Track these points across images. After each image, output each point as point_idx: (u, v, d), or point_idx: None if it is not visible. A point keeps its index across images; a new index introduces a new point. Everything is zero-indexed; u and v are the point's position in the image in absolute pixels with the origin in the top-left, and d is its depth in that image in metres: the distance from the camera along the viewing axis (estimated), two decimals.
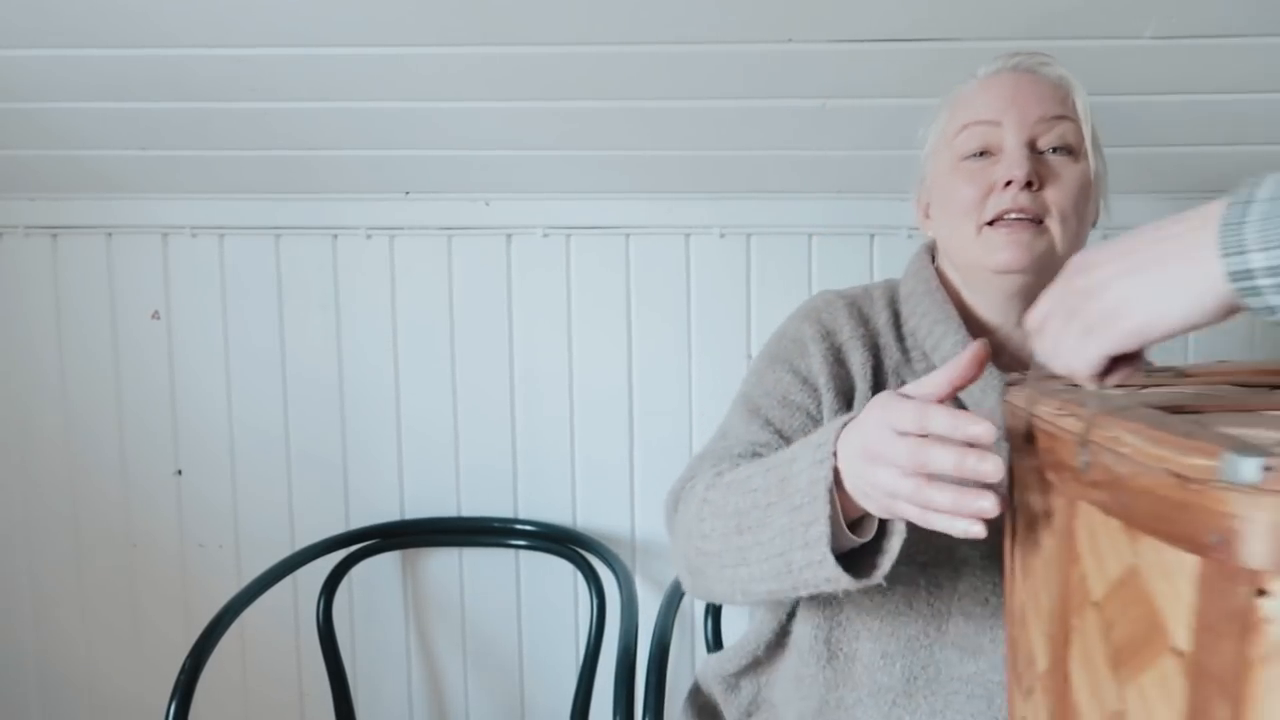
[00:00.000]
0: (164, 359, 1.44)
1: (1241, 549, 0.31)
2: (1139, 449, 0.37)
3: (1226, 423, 0.38)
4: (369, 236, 1.41)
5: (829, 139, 1.22)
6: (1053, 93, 0.77)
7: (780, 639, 0.83)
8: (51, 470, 1.46)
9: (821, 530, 0.58)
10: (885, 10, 0.98)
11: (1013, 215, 0.75)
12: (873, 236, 1.37)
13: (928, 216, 0.87)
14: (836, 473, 0.58)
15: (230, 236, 1.42)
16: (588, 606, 1.35)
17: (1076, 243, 0.78)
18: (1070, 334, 0.46)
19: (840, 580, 0.59)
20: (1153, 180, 1.26)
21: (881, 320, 0.84)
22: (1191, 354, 1.36)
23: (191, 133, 1.23)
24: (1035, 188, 0.74)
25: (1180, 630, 0.35)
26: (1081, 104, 0.77)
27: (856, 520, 0.61)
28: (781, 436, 0.78)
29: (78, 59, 1.08)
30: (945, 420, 0.49)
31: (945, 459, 0.49)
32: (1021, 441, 0.51)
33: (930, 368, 0.80)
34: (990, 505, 0.48)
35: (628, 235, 1.39)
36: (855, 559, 0.62)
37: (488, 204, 1.39)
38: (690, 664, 1.45)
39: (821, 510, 0.58)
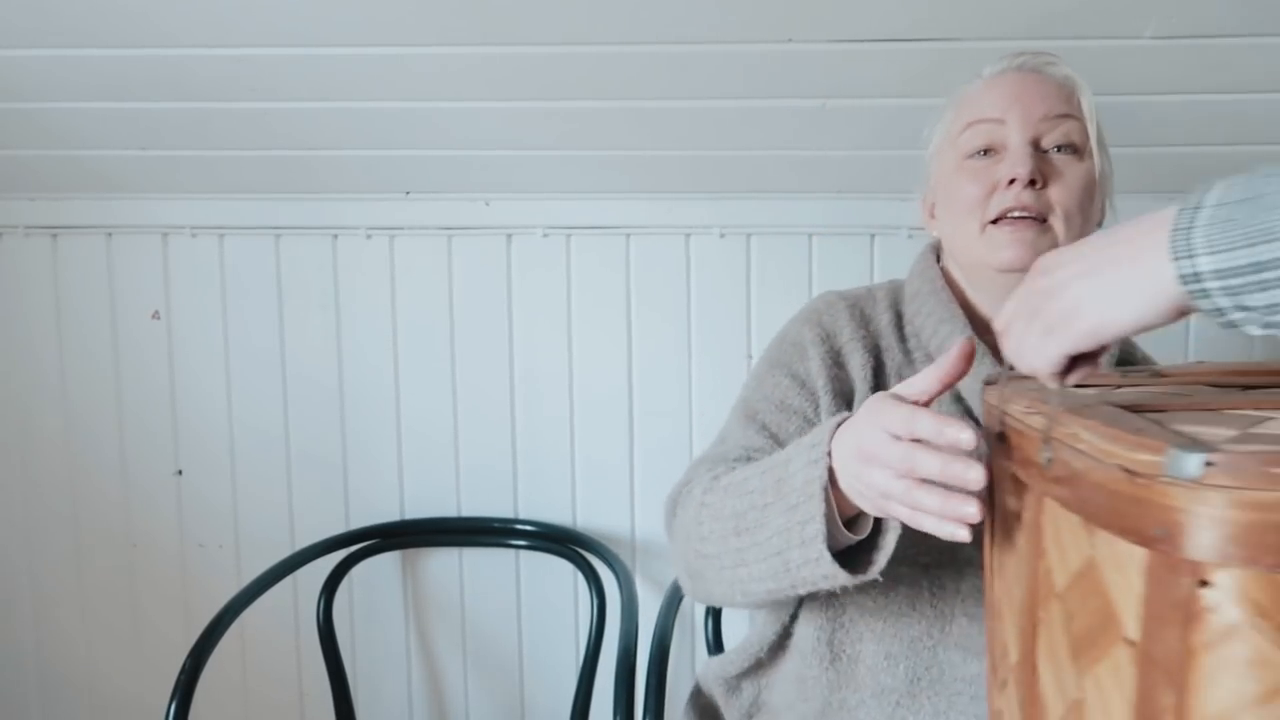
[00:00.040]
0: (164, 359, 1.44)
1: (1185, 541, 0.33)
2: (1094, 445, 0.38)
3: (1186, 421, 0.39)
4: (369, 236, 1.41)
5: (829, 139, 1.22)
6: (1057, 91, 0.77)
7: (782, 641, 0.83)
8: (51, 470, 1.46)
9: (817, 529, 0.59)
10: (885, 10, 0.98)
11: (1016, 213, 0.74)
12: (873, 236, 1.37)
13: (933, 216, 0.86)
14: (831, 472, 0.59)
15: (230, 236, 1.42)
16: (588, 607, 1.35)
17: None
18: (1032, 333, 0.47)
19: (837, 577, 0.61)
20: (1153, 180, 1.26)
21: (884, 321, 0.84)
22: (1193, 354, 1.36)
23: (191, 133, 1.23)
24: (1039, 186, 0.74)
25: (1131, 621, 0.37)
26: (1087, 103, 0.77)
27: (853, 518, 0.62)
28: (776, 441, 0.79)
29: (78, 59, 1.08)
30: (931, 426, 0.50)
31: (931, 464, 0.50)
32: (995, 440, 0.52)
33: None
34: (973, 511, 0.50)
35: (628, 235, 1.39)
36: (853, 556, 0.63)
37: (488, 204, 1.39)
38: (690, 665, 1.45)
39: (817, 509, 0.59)
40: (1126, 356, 0.86)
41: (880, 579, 0.62)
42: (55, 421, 1.45)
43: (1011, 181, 0.74)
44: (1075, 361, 0.46)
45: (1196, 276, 0.38)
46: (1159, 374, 0.59)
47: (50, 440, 1.45)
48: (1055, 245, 0.75)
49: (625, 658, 1.08)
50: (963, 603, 0.74)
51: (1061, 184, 0.75)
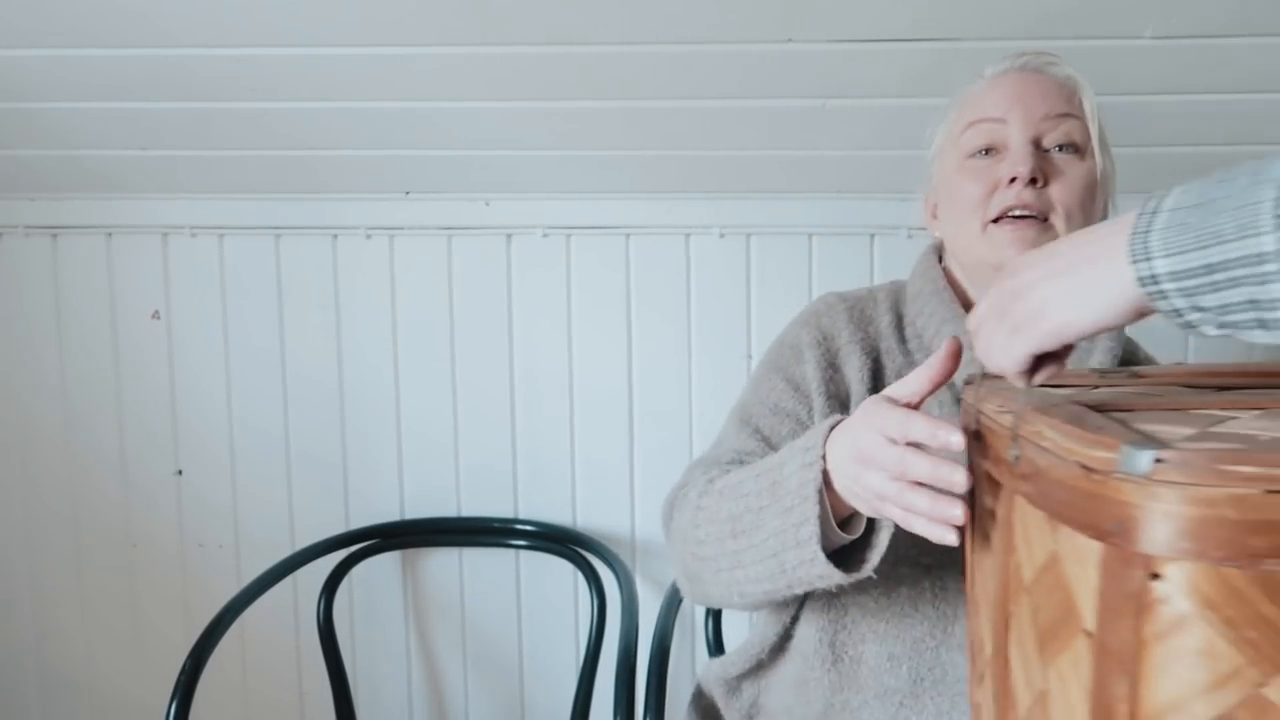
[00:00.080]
0: (164, 359, 1.44)
1: (1137, 536, 0.34)
2: (1056, 443, 0.39)
3: (1151, 420, 0.41)
4: (369, 236, 1.41)
5: (828, 139, 1.22)
6: (1059, 91, 0.77)
7: (783, 642, 0.83)
8: (51, 470, 1.46)
9: (812, 530, 0.61)
10: (885, 10, 0.98)
11: (1017, 212, 0.74)
12: (873, 236, 1.37)
13: (935, 216, 0.86)
14: (825, 474, 0.60)
15: (230, 236, 1.42)
16: (588, 607, 1.35)
17: None
18: (1000, 333, 0.48)
19: (832, 576, 0.62)
20: (1152, 180, 1.25)
21: (884, 323, 0.84)
22: (1194, 355, 1.36)
23: (191, 133, 1.23)
24: (1040, 185, 0.74)
25: (1089, 613, 0.38)
26: (1089, 103, 0.78)
27: (847, 518, 0.63)
28: (769, 444, 0.80)
29: (78, 59, 1.08)
30: (925, 430, 0.52)
31: (923, 467, 0.52)
32: (972, 439, 0.54)
33: None
34: (959, 514, 0.51)
35: (628, 235, 1.39)
36: (847, 555, 0.65)
37: (488, 204, 1.39)
38: (691, 665, 1.45)
39: (812, 510, 0.61)
40: (1129, 357, 0.86)
41: (875, 577, 0.64)
42: (55, 421, 1.45)
43: (1013, 180, 0.74)
44: (1041, 361, 0.47)
45: (1154, 279, 0.39)
46: (1136, 374, 0.60)
47: (50, 440, 1.45)
48: None
49: (625, 658, 1.08)
50: (965, 604, 0.74)
51: (1063, 183, 0.75)
